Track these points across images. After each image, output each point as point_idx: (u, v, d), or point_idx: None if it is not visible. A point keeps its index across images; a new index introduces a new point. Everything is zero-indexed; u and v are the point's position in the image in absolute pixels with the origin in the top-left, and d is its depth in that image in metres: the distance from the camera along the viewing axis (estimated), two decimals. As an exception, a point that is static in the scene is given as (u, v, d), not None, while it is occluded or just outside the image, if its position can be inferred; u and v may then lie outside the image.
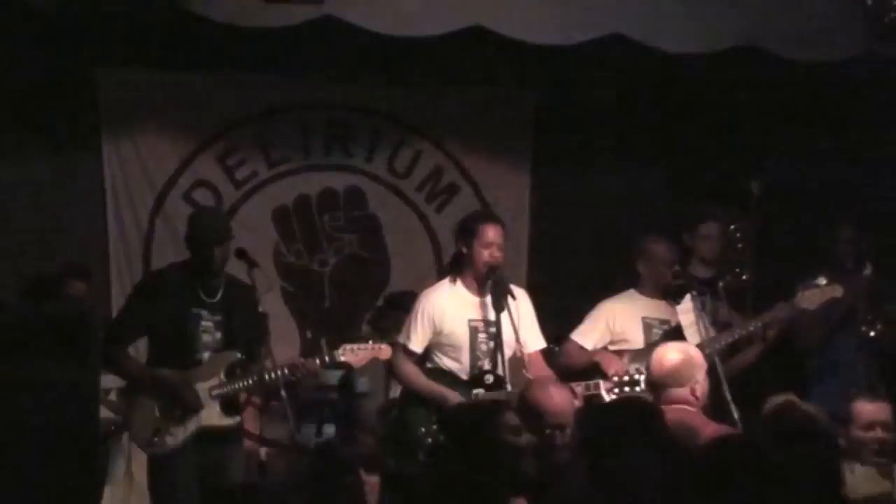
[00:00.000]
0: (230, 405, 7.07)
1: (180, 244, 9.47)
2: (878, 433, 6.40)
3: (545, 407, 6.27)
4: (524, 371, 7.29)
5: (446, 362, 7.49)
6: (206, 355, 7.10)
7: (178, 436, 7.02)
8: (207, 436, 7.05)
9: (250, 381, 7.04)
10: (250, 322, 7.17)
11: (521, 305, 7.51)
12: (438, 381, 7.44)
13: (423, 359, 7.54)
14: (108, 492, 8.65)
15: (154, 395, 7.06)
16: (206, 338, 7.10)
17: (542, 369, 7.41)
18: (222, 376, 7.04)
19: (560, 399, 6.35)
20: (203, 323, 7.09)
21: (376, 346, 7.30)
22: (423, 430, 7.39)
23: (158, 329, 7.13)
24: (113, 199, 9.67)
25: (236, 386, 7.04)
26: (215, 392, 7.04)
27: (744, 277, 8.57)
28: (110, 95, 9.58)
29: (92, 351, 6.44)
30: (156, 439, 7.02)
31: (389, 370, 7.81)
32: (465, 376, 7.46)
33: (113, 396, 8.84)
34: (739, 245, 8.91)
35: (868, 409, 6.47)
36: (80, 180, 9.63)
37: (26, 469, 6.09)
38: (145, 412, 7.06)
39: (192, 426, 7.01)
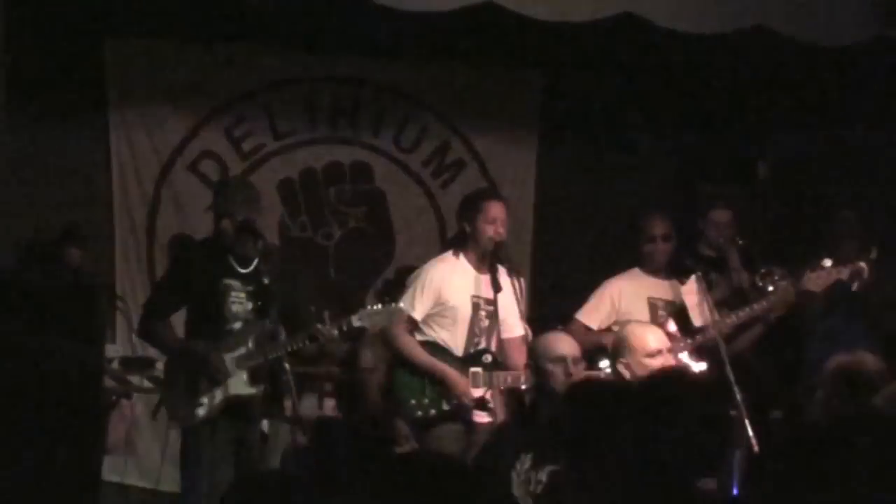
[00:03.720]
0: (258, 374, 7.05)
1: (185, 214, 9.58)
2: None
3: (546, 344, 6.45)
4: (523, 350, 7.31)
5: (441, 334, 7.47)
6: (237, 325, 7.09)
7: (207, 406, 7.00)
8: (240, 409, 7.03)
9: (279, 351, 7.00)
10: (286, 292, 7.14)
11: (519, 290, 7.50)
12: (433, 355, 7.43)
13: (413, 329, 7.51)
14: (107, 461, 8.68)
15: (186, 366, 7.06)
16: (236, 308, 7.09)
17: (522, 354, 7.38)
18: (251, 345, 7.02)
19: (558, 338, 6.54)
20: (234, 293, 7.08)
21: (391, 307, 7.23)
22: (413, 402, 7.39)
23: (191, 300, 7.14)
24: (118, 168, 9.65)
25: (265, 355, 7.02)
26: (243, 361, 7.03)
27: (740, 242, 8.52)
28: (118, 65, 9.55)
29: (96, 321, 6.45)
30: (188, 411, 7.01)
31: (384, 337, 7.72)
32: (458, 351, 7.45)
33: (115, 366, 8.86)
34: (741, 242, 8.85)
35: None
36: (86, 150, 9.62)
37: (30, 437, 6.11)
38: (180, 385, 7.06)
39: (219, 396, 7.00)
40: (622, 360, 6.54)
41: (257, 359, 7.01)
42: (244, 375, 7.02)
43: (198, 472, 7.00)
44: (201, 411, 7.00)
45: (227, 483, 6.66)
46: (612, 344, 6.85)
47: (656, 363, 6.41)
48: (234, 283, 7.09)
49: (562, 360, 6.42)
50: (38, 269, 8.58)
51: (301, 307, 7.20)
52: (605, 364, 7.13)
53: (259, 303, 7.04)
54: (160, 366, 8.41)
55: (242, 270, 7.10)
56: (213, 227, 7.25)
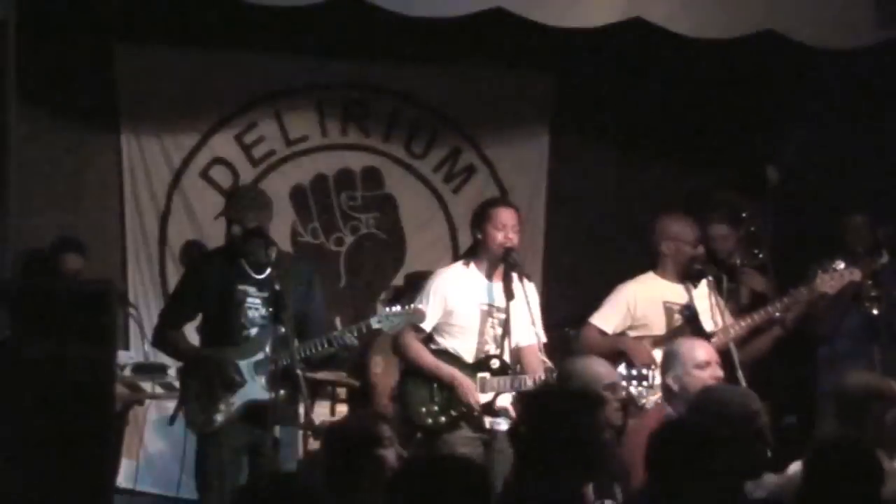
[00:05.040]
0: (275, 380, 7.05)
1: (197, 221, 9.59)
2: None
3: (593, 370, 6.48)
4: (539, 356, 7.31)
5: (451, 343, 7.47)
6: (253, 331, 7.11)
7: (225, 412, 7.01)
8: (256, 415, 7.03)
9: (295, 356, 7.00)
10: (299, 296, 7.14)
11: (530, 296, 7.50)
12: (444, 363, 7.44)
13: (427, 339, 7.53)
14: (121, 468, 8.69)
15: (203, 373, 7.07)
16: (252, 314, 7.11)
17: (537, 362, 7.38)
18: (267, 351, 7.03)
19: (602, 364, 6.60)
20: (250, 299, 7.10)
21: (410, 308, 7.25)
22: (423, 409, 7.40)
23: (207, 307, 7.16)
24: (130, 176, 9.67)
25: (281, 360, 7.02)
26: (260, 367, 7.04)
27: (760, 256, 8.52)
28: (129, 72, 9.58)
29: (109, 327, 6.46)
30: (206, 418, 7.02)
31: (394, 346, 7.75)
32: (469, 359, 7.45)
33: (128, 372, 8.88)
34: (752, 228, 8.87)
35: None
36: (98, 156, 9.64)
37: (42, 445, 6.11)
38: (198, 392, 7.07)
39: (237, 401, 7.01)
40: (671, 373, 6.51)
41: (274, 364, 7.02)
42: (262, 381, 7.03)
43: (214, 478, 7.01)
44: (219, 417, 7.02)
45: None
46: (661, 359, 6.86)
47: (705, 375, 6.40)
48: (250, 288, 7.12)
49: (612, 387, 6.47)
50: (37, 276, 8.61)
51: (314, 313, 7.21)
52: (622, 371, 7.14)
53: (274, 309, 7.05)
54: (172, 372, 8.45)
55: (257, 276, 7.12)
56: (225, 233, 7.27)
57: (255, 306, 7.12)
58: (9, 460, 6.10)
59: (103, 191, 9.66)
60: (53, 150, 9.40)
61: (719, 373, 6.47)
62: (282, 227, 9.53)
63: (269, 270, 7.10)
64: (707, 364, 6.44)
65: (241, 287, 7.11)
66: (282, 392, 7.00)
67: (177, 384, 7.92)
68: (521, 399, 6.91)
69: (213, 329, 7.20)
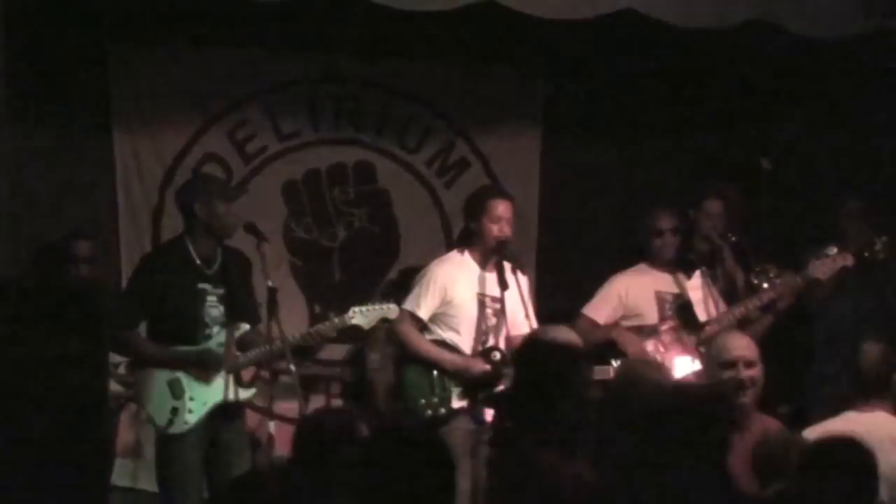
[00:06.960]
0: (244, 377, 7.05)
1: (190, 218, 9.54)
2: None
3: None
4: None
5: (448, 334, 7.48)
6: (215, 330, 7.08)
7: (197, 412, 6.98)
8: (217, 412, 7.03)
9: (262, 352, 6.99)
10: (248, 290, 7.15)
11: (523, 288, 7.49)
12: None
13: (422, 330, 7.52)
14: (117, 466, 8.67)
15: (172, 371, 7.02)
16: (213, 312, 7.08)
17: None
18: (233, 349, 7.02)
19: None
20: (209, 298, 7.07)
21: (384, 305, 7.26)
22: (423, 401, 7.39)
23: (164, 308, 7.08)
24: (122, 173, 9.65)
25: (249, 357, 7.01)
26: (229, 364, 7.02)
27: (733, 239, 8.51)
28: (121, 70, 9.56)
29: (102, 325, 6.46)
30: (175, 418, 6.99)
31: (392, 336, 7.75)
32: (466, 349, 7.45)
33: (122, 370, 8.86)
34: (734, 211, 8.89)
35: None
36: (90, 154, 9.62)
37: (37, 443, 6.11)
38: (160, 391, 7.03)
39: (211, 401, 6.98)
40: (706, 369, 6.44)
41: (243, 361, 7.02)
42: (231, 379, 7.02)
43: (187, 480, 6.98)
44: (192, 418, 6.98)
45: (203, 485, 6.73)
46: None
47: (728, 375, 6.15)
48: (207, 286, 7.09)
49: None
50: (50, 270, 8.61)
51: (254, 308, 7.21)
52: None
53: (231, 305, 7.05)
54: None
55: (209, 272, 7.09)
56: (183, 226, 7.23)
57: (213, 304, 7.09)
58: (3, 459, 6.10)
59: (96, 189, 9.64)
60: (46, 149, 9.38)
61: (748, 373, 6.15)
62: (275, 223, 9.54)
63: (217, 264, 7.08)
64: (731, 364, 6.16)
65: (200, 286, 7.07)
66: (253, 390, 7.02)
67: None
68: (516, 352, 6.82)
69: (170, 329, 7.11)
